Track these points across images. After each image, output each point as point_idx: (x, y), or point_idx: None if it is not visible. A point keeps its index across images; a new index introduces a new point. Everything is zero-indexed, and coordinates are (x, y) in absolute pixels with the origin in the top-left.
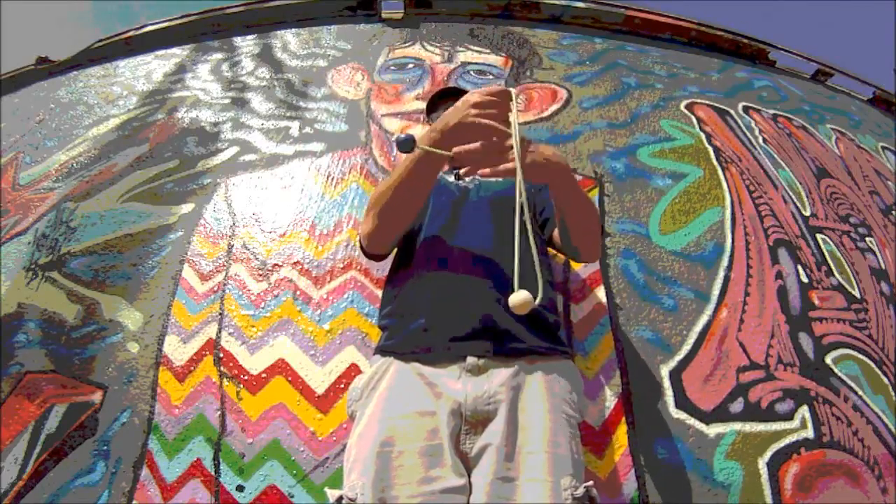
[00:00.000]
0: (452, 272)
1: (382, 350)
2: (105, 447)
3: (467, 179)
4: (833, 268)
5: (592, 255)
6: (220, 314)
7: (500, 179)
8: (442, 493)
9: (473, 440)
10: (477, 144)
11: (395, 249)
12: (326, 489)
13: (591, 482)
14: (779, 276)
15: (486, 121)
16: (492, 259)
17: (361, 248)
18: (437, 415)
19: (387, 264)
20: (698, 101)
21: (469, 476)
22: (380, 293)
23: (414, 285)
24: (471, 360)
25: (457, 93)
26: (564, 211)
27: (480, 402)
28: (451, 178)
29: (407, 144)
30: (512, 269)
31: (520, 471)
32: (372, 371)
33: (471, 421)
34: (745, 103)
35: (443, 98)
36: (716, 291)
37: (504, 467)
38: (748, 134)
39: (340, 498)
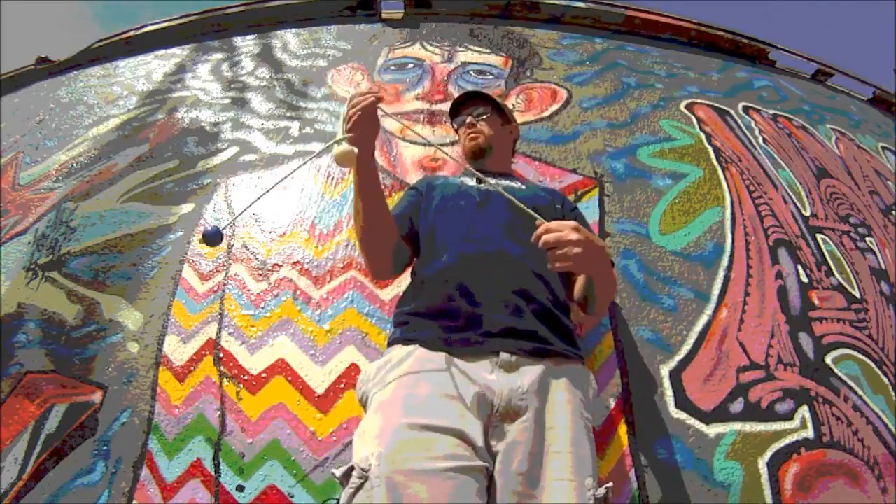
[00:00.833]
0: (480, 273)
1: (405, 340)
2: (105, 447)
3: (492, 182)
4: (833, 268)
5: (603, 314)
6: (220, 314)
7: (523, 186)
8: (462, 470)
9: (500, 435)
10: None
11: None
12: (332, 469)
13: (610, 483)
14: (779, 276)
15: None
16: (516, 261)
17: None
18: (465, 400)
19: None
20: (698, 101)
21: (492, 467)
22: (380, 293)
23: (441, 284)
24: (504, 355)
25: (478, 96)
26: (595, 287)
27: (515, 397)
28: (473, 182)
29: (213, 238)
30: (536, 272)
31: (546, 470)
32: (389, 356)
33: (501, 413)
34: (745, 103)
35: (464, 103)
36: (716, 291)
37: (530, 465)
38: (748, 134)
39: (350, 468)
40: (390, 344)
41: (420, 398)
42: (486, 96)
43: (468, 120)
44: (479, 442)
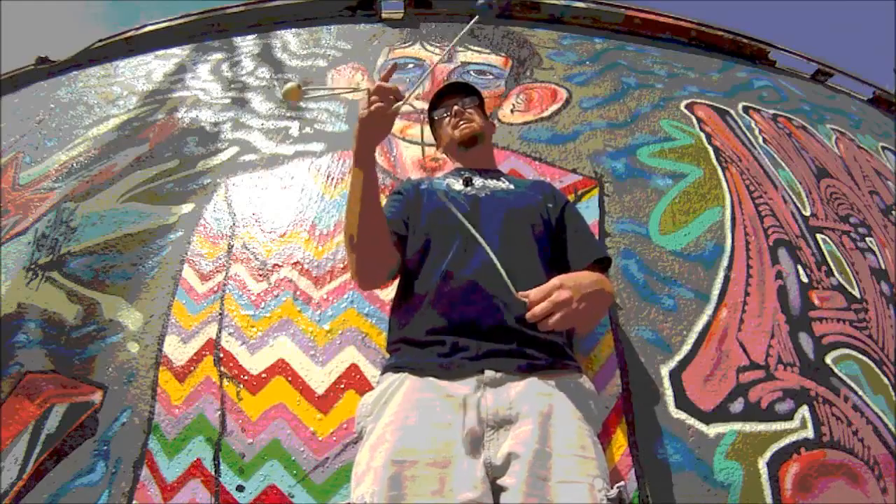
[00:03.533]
0: (468, 291)
1: (396, 367)
2: (105, 447)
3: (477, 185)
4: (833, 268)
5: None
6: (220, 314)
7: (511, 185)
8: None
9: (498, 445)
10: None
11: (401, 275)
12: None
13: (622, 482)
14: (779, 275)
15: (374, 107)
16: (502, 283)
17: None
18: (453, 426)
19: None
20: (698, 101)
21: (494, 483)
22: (380, 293)
23: (428, 312)
24: (489, 373)
25: (461, 88)
26: None
27: (502, 408)
28: (460, 186)
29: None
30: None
31: (551, 473)
32: (383, 386)
33: (492, 425)
34: (745, 103)
35: (444, 96)
36: (716, 291)
37: (534, 471)
38: (748, 134)
39: None
40: (384, 371)
41: (411, 432)
42: (467, 88)
43: (456, 108)
44: (472, 467)
